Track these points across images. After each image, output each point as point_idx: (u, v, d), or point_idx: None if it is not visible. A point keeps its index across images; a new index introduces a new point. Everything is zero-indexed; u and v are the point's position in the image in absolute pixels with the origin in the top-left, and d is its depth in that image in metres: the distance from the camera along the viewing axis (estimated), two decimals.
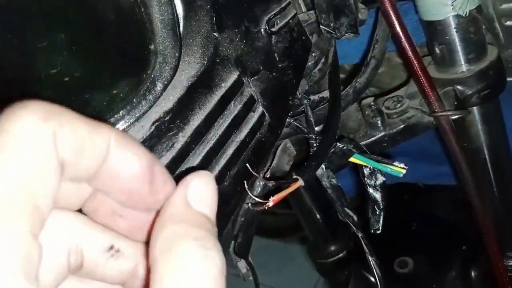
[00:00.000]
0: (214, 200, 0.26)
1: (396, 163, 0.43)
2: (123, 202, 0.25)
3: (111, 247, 0.26)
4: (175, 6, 0.39)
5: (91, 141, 0.22)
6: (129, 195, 0.25)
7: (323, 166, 0.51)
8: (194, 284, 0.21)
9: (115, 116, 0.38)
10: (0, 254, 0.18)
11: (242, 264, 0.70)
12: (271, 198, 0.39)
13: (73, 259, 0.25)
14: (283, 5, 0.50)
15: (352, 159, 0.42)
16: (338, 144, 0.45)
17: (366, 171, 0.46)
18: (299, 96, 0.58)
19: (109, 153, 0.23)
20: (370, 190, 0.47)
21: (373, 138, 0.61)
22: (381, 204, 0.48)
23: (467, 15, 0.55)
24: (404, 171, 0.39)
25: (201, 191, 0.25)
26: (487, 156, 0.65)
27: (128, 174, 0.24)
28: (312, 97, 0.59)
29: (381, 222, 0.48)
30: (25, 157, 0.19)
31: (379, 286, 0.53)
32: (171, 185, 0.26)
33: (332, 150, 0.45)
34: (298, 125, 0.58)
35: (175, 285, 0.21)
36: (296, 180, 0.41)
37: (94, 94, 0.39)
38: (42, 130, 0.20)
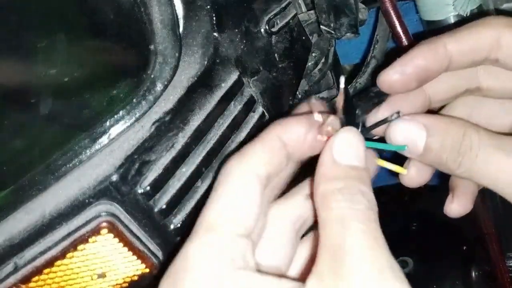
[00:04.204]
0: (357, 150, 0.31)
1: None
2: None
3: None
4: (175, 6, 0.39)
5: None
6: None
7: None
8: (344, 228, 0.27)
9: (115, 116, 0.38)
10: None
11: None
12: None
13: None
14: (283, 5, 0.50)
15: None
16: None
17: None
18: (299, 96, 0.58)
19: None
20: None
21: (374, 138, 0.61)
22: None
23: (468, 14, 0.55)
24: (405, 148, 0.38)
25: (344, 146, 0.31)
26: None
27: None
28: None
29: None
30: None
31: None
32: None
33: None
34: None
35: (332, 234, 0.28)
36: None
37: (93, 94, 0.39)
38: None
